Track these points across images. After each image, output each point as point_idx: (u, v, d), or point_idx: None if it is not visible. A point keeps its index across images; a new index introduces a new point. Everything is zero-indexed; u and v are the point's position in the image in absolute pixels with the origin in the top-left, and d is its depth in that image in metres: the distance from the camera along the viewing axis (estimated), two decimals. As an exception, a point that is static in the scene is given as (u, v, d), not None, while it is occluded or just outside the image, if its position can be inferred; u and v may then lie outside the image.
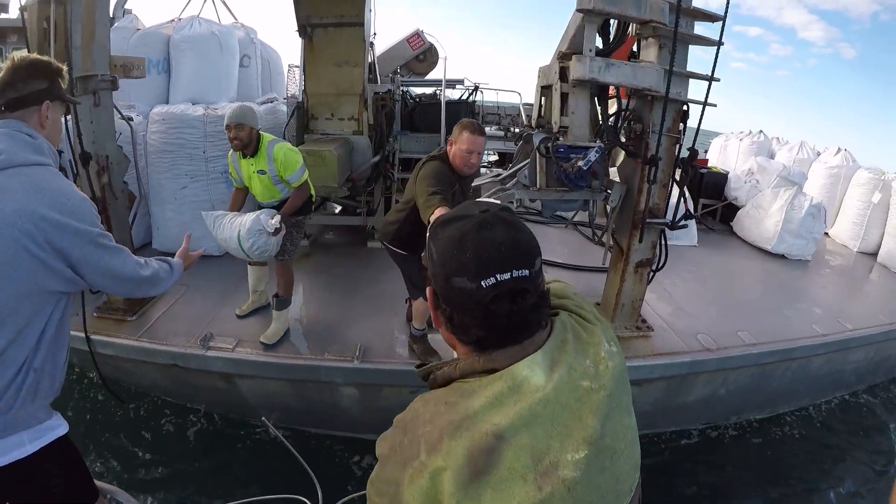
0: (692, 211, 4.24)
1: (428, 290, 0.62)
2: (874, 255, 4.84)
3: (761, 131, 6.15)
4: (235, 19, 4.80)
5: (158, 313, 2.95)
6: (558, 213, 4.87)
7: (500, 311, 0.55)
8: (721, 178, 5.35)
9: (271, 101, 4.31)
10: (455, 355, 0.63)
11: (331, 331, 2.79)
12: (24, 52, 1.13)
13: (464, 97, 4.94)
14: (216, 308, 3.01)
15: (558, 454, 0.52)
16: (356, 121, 3.65)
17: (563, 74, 2.32)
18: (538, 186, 2.38)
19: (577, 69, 2.18)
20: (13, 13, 4.94)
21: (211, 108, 3.40)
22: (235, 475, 2.75)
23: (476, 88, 4.84)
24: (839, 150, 5.53)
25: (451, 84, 4.61)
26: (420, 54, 4.63)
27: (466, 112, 4.57)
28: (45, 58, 1.16)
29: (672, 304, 3.38)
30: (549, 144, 2.25)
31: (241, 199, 2.79)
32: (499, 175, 2.76)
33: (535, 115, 2.73)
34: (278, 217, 2.36)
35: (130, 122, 2.93)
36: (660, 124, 2.43)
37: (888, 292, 4.09)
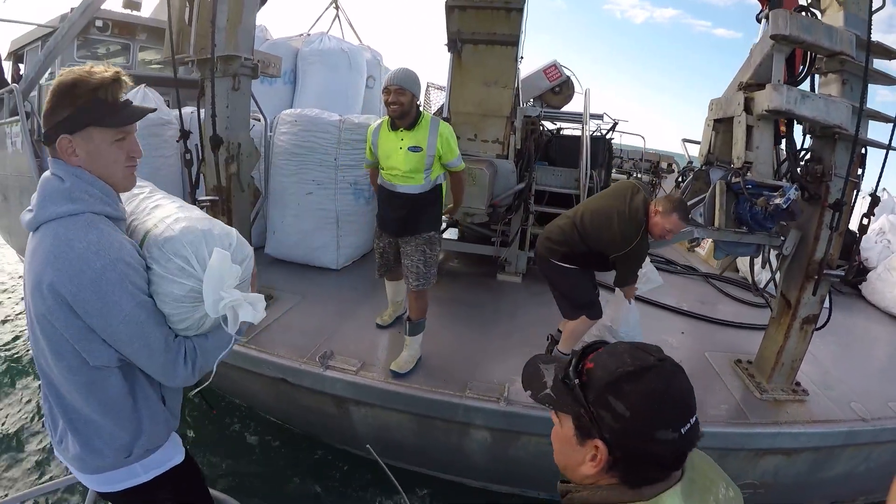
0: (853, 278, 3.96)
1: (597, 444, 0.64)
2: None
3: (885, 189, 5.76)
4: (360, 41, 5.06)
5: (270, 320, 2.92)
6: (690, 264, 4.69)
7: (688, 449, 0.64)
8: (851, 238, 4.97)
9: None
10: (578, 478, 0.69)
11: (466, 367, 2.60)
12: (74, 69, 0.97)
13: (605, 134, 4.95)
14: (336, 324, 2.94)
15: None
16: (501, 144, 3.60)
17: (747, 105, 2.21)
18: (717, 225, 2.23)
19: (773, 99, 2.07)
20: (145, 12, 5.39)
21: (348, 116, 3.47)
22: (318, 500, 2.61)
23: (615, 125, 4.83)
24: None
25: (583, 117, 4.57)
26: (556, 86, 4.67)
27: (604, 149, 4.54)
28: (80, 75, 0.96)
29: (818, 367, 3.07)
30: (738, 181, 2.11)
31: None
32: None
33: (704, 149, 2.61)
34: (263, 306, 1.16)
35: (264, 117, 3.01)
36: (847, 167, 2.27)
37: None
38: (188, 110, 3.67)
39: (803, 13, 2.33)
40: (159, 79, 4.48)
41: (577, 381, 0.67)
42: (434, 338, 2.80)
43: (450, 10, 3.34)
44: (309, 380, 2.47)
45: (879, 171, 2.52)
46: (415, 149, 2.26)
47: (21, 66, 5.47)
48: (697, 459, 0.72)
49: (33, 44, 5.26)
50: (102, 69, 0.98)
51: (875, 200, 2.45)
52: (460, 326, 3.10)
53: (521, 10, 3.28)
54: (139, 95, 3.41)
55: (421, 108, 2.31)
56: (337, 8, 5.10)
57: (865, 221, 2.50)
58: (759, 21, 3.76)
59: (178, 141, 2.54)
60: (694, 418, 0.64)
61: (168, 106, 3.71)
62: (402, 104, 2.19)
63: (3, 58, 5.27)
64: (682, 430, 0.62)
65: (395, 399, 2.35)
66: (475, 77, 3.57)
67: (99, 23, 4.83)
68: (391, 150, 2.31)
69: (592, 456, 0.66)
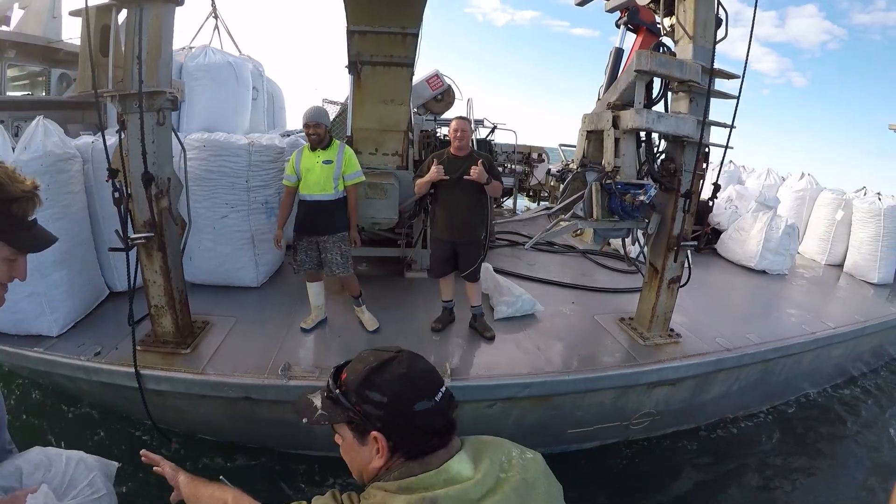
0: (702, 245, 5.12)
1: (374, 435, 0.78)
2: (840, 266, 6.02)
3: (731, 161, 7.39)
4: (240, 52, 5.15)
5: (213, 346, 3.17)
6: (568, 244, 5.68)
7: (449, 415, 0.80)
8: (705, 206, 6.31)
9: (289, 135, 4.65)
10: (369, 475, 0.82)
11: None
12: None
13: (486, 136, 5.63)
14: (278, 338, 3.28)
15: None
16: (400, 156, 4.17)
17: (615, 122, 3.00)
18: (595, 217, 3.01)
19: (635, 119, 2.86)
20: (12, 26, 4.96)
21: (255, 138, 3.72)
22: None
23: (494, 128, 5.55)
24: (803, 174, 6.79)
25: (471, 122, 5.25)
26: (439, 95, 5.24)
27: (485, 149, 5.23)
28: (1, 178, 0.91)
29: (688, 315, 4.11)
30: (610, 182, 2.89)
31: (290, 204, 3.37)
32: (549, 209, 3.38)
33: (579, 154, 3.39)
34: None
35: (183, 145, 3.19)
36: (693, 164, 3.18)
37: (858, 296, 5.18)
38: (85, 140, 3.66)
39: (661, 49, 3.19)
40: (38, 101, 4.24)
41: (337, 391, 0.82)
42: (361, 334, 3.44)
43: (350, 34, 3.79)
44: (273, 392, 2.82)
45: (719, 164, 3.53)
46: (328, 162, 3.21)
47: None
48: (487, 438, 0.87)
49: None
50: (23, 179, 0.95)
51: (716, 188, 3.41)
52: (385, 321, 3.61)
53: (416, 35, 3.84)
54: (39, 128, 3.29)
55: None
56: (216, 17, 5.14)
57: (711, 204, 3.51)
58: (618, 27, 4.70)
59: (107, 181, 2.65)
60: (444, 388, 0.81)
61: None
62: (319, 134, 3.19)
63: None
64: (436, 399, 0.79)
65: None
66: (374, 96, 4.08)
67: None
68: (311, 165, 3.23)
69: (376, 449, 0.79)
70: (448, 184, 3.20)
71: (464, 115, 3.19)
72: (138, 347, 2.95)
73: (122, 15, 2.80)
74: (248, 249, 3.86)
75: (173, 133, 3.03)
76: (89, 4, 2.70)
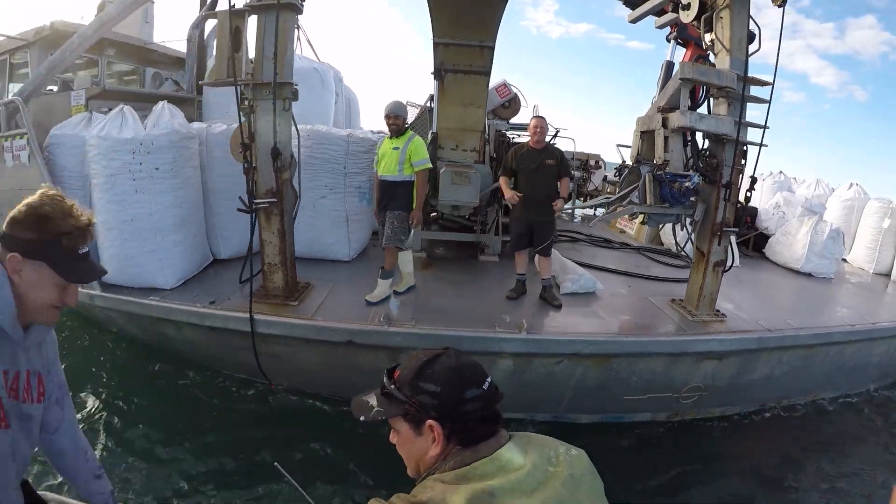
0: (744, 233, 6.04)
1: (430, 423, 0.93)
2: (888, 274, 6.83)
3: (781, 172, 8.29)
4: (318, 59, 6.33)
5: (317, 302, 4.17)
6: (624, 241, 6.68)
7: (494, 403, 0.96)
8: (752, 212, 7.27)
9: (381, 132, 5.75)
10: (425, 466, 0.97)
11: (482, 319, 4.08)
12: (55, 198, 1.24)
13: (550, 141, 6.74)
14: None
15: None
16: (477, 152, 5.36)
17: (664, 122, 3.97)
18: (648, 202, 3.95)
19: (680, 119, 3.84)
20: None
21: (352, 131, 4.82)
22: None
23: (557, 133, 6.66)
24: (851, 184, 7.66)
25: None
26: (506, 102, 6.38)
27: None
28: (56, 211, 1.21)
29: (734, 303, 4.97)
30: (660, 172, 3.85)
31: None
32: (608, 198, 4.40)
33: (634, 152, 4.40)
34: None
35: (298, 131, 4.24)
36: (732, 159, 4.11)
37: None
38: (199, 125, 4.77)
39: (700, 60, 4.18)
40: (131, 93, 5.44)
41: (392, 386, 0.99)
42: (446, 300, 4.46)
43: (436, 46, 5.05)
44: (374, 337, 3.77)
45: (755, 159, 4.46)
46: (396, 148, 4.27)
47: None
48: (533, 434, 1.01)
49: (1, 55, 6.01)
50: (79, 214, 1.22)
51: (753, 180, 4.33)
52: (460, 298, 4.61)
53: (492, 48, 5.02)
54: (119, 115, 4.34)
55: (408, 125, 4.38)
56: (298, 27, 6.32)
57: (749, 195, 4.42)
58: (668, 41, 5.75)
59: (240, 152, 3.70)
60: (489, 379, 0.98)
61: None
62: (397, 125, 4.29)
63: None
64: (484, 387, 0.95)
65: (447, 341, 3.74)
66: (455, 100, 5.32)
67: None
68: (386, 150, 4.34)
69: (432, 438, 0.94)
70: (526, 172, 4.29)
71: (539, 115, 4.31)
72: (253, 299, 3.93)
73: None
74: (343, 227, 4.99)
75: (293, 119, 4.08)
76: (223, 9, 3.81)
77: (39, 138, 4.50)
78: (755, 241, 7.23)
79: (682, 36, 5.35)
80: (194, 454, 3.71)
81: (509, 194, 4.44)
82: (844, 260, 7.31)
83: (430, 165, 4.45)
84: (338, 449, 3.79)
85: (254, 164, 3.85)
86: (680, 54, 5.64)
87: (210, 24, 6.27)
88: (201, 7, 6.30)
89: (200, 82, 4.82)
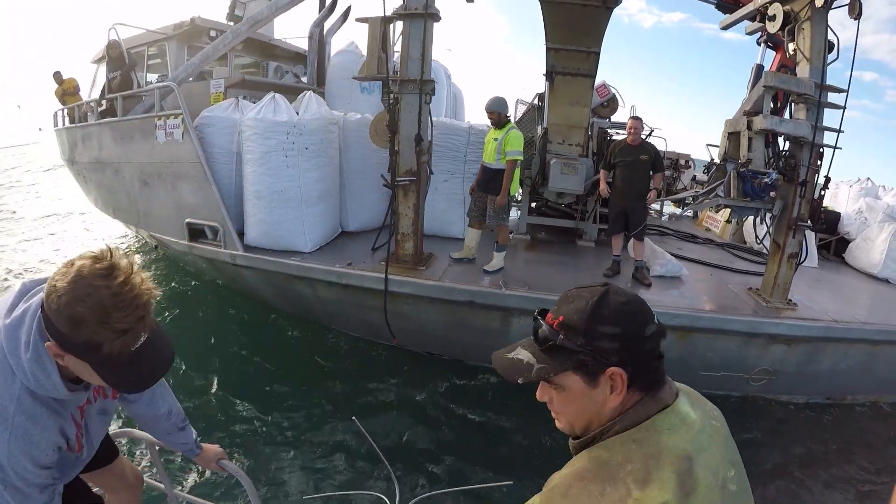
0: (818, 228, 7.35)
1: (612, 371, 0.98)
2: None
3: (868, 178, 9.47)
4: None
5: (440, 270, 5.71)
6: (708, 238, 8.14)
7: (661, 343, 1.02)
8: (834, 216, 8.56)
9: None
10: (600, 423, 1.03)
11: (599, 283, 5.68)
12: (129, 273, 1.22)
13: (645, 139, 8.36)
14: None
15: (723, 472, 0.95)
16: (581, 147, 6.99)
17: (749, 125, 5.32)
18: (732, 196, 5.32)
19: (763, 122, 5.22)
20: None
21: (472, 123, 6.37)
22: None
23: (651, 132, 8.12)
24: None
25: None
26: (605, 101, 7.87)
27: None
28: (93, 312, 1.15)
29: (808, 297, 6.26)
30: (744, 170, 5.21)
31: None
32: (696, 192, 5.83)
33: (721, 152, 5.79)
34: None
35: (432, 121, 5.77)
36: (808, 160, 5.44)
37: None
38: (338, 113, 6.39)
39: (784, 68, 5.54)
40: (265, 84, 7.19)
41: (560, 336, 1.00)
42: (549, 276, 5.98)
43: (548, 50, 6.70)
44: (492, 298, 5.25)
45: (829, 161, 5.76)
46: (496, 139, 5.66)
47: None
48: (678, 384, 1.10)
49: (139, 47, 7.82)
50: (124, 313, 1.19)
51: (827, 180, 5.65)
52: (559, 277, 6.12)
53: (598, 53, 6.52)
54: (272, 102, 5.94)
55: (509, 118, 5.82)
56: None
57: (823, 193, 5.73)
58: (759, 44, 7.12)
59: (386, 138, 5.27)
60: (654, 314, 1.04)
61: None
62: (493, 119, 5.72)
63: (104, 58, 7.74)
64: (657, 321, 1.02)
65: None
66: (563, 99, 6.97)
67: (213, 33, 7.41)
68: (489, 140, 5.82)
69: (612, 387, 0.99)
70: (623, 166, 5.77)
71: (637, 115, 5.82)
72: (382, 263, 5.46)
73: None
74: (460, 208, 6.65)
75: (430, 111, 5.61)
76: (376, 16, 5.38)
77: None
78: (836, 246, 8.46)
79: (772, 40, 6.72)
80: (287, 398, 5.28)
81: (603, 187, 6.03)
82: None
83: (521, 158, 5.80)
84: (421, 420, 5.17)
85: (396, 148, 5.39)
86: (769, 57, 7.03)
87: (328, 22, 8.02)
88: (320, 8, 8.03)
89: (353, 77, 6.40)
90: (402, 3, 5.35)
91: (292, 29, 34.56)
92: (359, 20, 5.81)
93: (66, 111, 9.31)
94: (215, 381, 5.47)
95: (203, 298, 7.45)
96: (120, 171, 7.29)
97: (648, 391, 1.01)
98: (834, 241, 8.52)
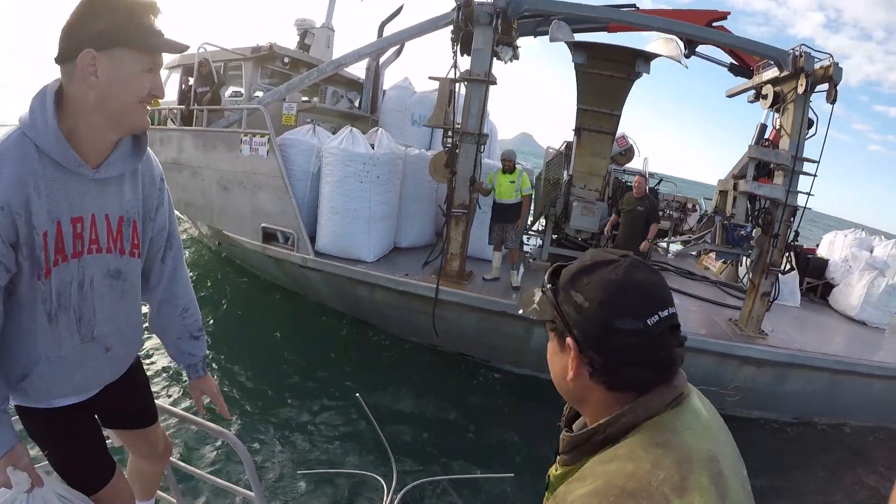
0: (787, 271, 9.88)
1: (569, 341, 1.04)
2: None
3: (862, 229, 11.99)
4: None
5: (479, 284, 8.17)
6: (703, 275, 10.76)
7: (665, 348, 1.01)
8: (823, 263, 11.04)
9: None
10: (591, 410, 1.10)
11: None
12: None
13: (655, 185, 10.98)
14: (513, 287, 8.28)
15: (740, 470, 1.03)
16: (598, 192, 9.46)
17: (735, 186, 7.84)
18: (717, 243, 7.84)
19: (745, 186, 7.71)
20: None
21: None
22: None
23: (661, 181, 10.67)
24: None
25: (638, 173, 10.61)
26: (623, 150, 10.43)
27: (654, 195, 10.44)
28: None
29: (783, 331, 8.69)
30: (727, 223, 7.73)
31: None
32: (690, 238, 8.39)
33: (713, 206, 8.31)
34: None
35: (481, 164, 8.31)
36: (781, 217, 7.96)
37: None
38: (402, 148, 8.97)
39: (766, 142, 8.10)
40: (329, 110, 9.89)
41: (549, 285, 1.12)
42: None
43: (579, 110, 9.19)
44: (513, 308, 7.68)
45: (799, 218, 8.25)
46: (512, 182, 8.36)
47: (190, 79, 10.35)
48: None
49: (216, 63, 10.28)
50: None
51: (796, 234, 8.16)
52: None
53: (619, 116, 9.06)
54: (351, 135, 8.42)
55: (518, 166, 8.47)
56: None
57: (796, 243, 8.26)
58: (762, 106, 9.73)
59: (446, 176, 7.78)
60: (665, 311, 1.00)
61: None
62: (510, 165, 8.38)
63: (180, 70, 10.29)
64: (648, 321, 0.97)
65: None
66: (587, 151, 9.53)
67: (286, 59, 9.97)
68: (502, 182, 8.43)
69: (571, 360, 1.05)
70: (625, 212, 8.31)
71: (641, 171, 8.42)
72: (433, 275, 7.96)
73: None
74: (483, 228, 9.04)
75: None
76: (446, 77, 7.91)
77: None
78: (822, 290, 10.94)
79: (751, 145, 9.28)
80: (320, 381, 7.64)
81: (607, 229, 8.54)
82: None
83: (533, 192, 8.38)
84: (430, 410, 7.65)
85: (453, 185, 7.89)
86: (771, 118, 9.59)
87: (383, 57, 10.64)
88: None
89: (424, 124, 9.00)
90: (467, 68, 7.88)
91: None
92: (431, 78, 8.33)
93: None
94: (246, 358, 7.66)
95: (251, 291, 10.02)
96: (199, 174, 9.69)
97: (612, 388, 1.04)
98: (821, 285, 11.00)
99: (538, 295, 1.17)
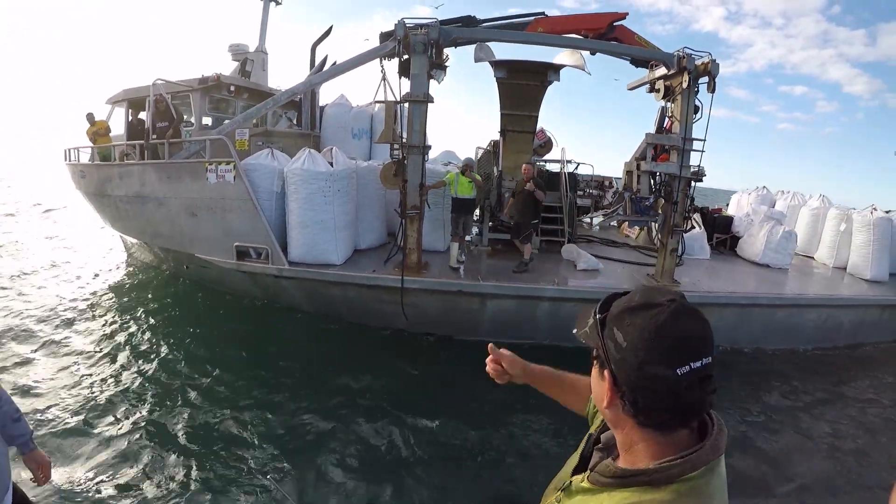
0: (688, 230, 13.47)
1: (606, 372, 1.30)
2: (845, 268, 13.99)
3: (765, 187, 15.74)
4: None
5: (435, 273, 11.24)
6: (626, 242, 14.45)
7: (691, 398, 1.20)
8: (729, 220, 14.67)
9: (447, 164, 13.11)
10: (624, 437, 1.38)
11: (534, 279, 11.36)
12: None
13: (573, 170, 14.33)
14: (468, 274, 11.47)
15: None
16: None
17: (638, 166, 11.26)
18: (628, 213, 11.29)
19: (646, 166, 11.08)
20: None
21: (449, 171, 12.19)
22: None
23: (578, 165, 14.07)
24: (820, 196, 15.05)
25: (560, 161, 13.95)
26: (542, 143, 13.70)
27: (572, 180, 13.81)
28: None
29: (695, 280, 12.10)
30: (634, 196, 11.16)
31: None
32: (605, 212, 11.82)
33: (622, 184, 11.77)
34: None
35: (426, 171, 11.46)
36: (678, 188, 11.47)
37: (837, 284, 13.11)
38: (351, 163, 12.08)
39: (663, 130, 11.62)
40: (274, 132, 12.93)
41: (598, 316, 1.33)
42: (506, 271, 11.71)
43: (502, 115, 12.55)
44: (471, 287, 10.72)
45: (692, 189, 11.80)
46: (471, 182, 12.02)
47: (141, 113, 12.91)
48: None
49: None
50: None
51: (692, 201, 11.70)
52: (501, 265, 11.87)
53: (536, 116, 12.49)
54: (310, 156, 11.21)
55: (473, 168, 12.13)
56: (385, 80, 13.48)
57: (695, 207, 11.81)
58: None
59: (398, 184, 10.88)
60: (698, 363, 1.19)
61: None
62: (468, 170, 11.93)
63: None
64: (678, 370, 1.16)
65: (515, 291, 10.85)
66: (512, 149, 12.86)
67: (231, 88, 12.78)
68: (463, 182, 11.99)
69: (611, 398, 1.31)
70: (518, 195, 11.73)
71: (558, 158, 11.87)
72: (396, 269, 11.06)
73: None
74: (441, 230, 12.19)
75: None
76: (391, 100, 11.04)
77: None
78: (731, 242, 14.57)
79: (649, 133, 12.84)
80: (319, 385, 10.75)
81: (506, 210, 11.82)
82: (812, 257, 14.72)
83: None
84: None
85: (405, 191, 10.96)
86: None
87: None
88: (311, 67, 13.53)
89: (375, 141, 12.05)
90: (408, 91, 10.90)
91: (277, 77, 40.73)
92: (377, 101, 11.39)
93: (95, 150, 13.56)
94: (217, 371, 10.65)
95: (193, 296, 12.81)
96: (165, 203, 12.05)
97: (658, 430, 1.29)
98: (728, 238, 14.65)
99: (591, 320, 1.42)
